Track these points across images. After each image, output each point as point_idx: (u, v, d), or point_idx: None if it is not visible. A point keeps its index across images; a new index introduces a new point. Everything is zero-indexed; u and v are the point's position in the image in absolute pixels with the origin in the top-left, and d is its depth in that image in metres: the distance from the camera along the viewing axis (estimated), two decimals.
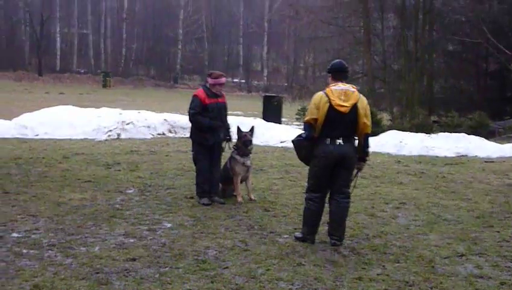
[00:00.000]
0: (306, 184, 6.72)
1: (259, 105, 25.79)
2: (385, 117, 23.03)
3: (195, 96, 8.32)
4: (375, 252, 6.24)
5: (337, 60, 6.86)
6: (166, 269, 5.49)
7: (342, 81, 6.44)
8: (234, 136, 8.67)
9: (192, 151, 8.58)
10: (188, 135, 9.04)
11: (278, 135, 16.53)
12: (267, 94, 30.57)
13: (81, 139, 15.14)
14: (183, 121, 16.98)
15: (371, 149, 6.74)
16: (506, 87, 27.72)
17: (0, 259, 5.59)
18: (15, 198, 8.13)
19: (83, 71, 63.10)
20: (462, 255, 6.19)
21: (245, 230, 6.97)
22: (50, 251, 5.89)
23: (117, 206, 7.94)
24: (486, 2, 26.92)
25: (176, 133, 17.00)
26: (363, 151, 6.50)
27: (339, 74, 6.51)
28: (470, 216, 7.99)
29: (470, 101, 26.36)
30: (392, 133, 16.57)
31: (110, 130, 16.05)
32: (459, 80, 28.83)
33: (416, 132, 17.14)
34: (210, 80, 8.34)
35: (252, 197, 8.58)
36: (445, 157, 14.17)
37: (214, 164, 8.45)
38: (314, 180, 6.50)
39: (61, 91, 40.65)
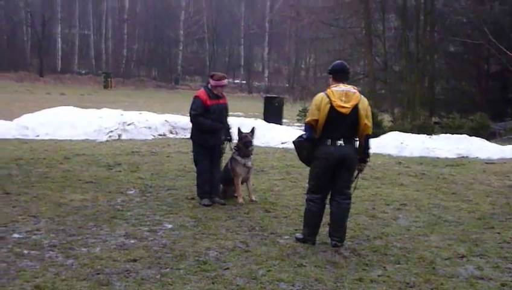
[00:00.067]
0: (307, 185, 6.72)
1: (260, 106, 25.81)
2: (386, 118, 23.03)
3: (196, 98, 8.32)
4: (376, 253, 6.24)
5: (338, 61, 6.87)
6: (167, 270, 5.49)
7: (343, 82, 6.44)
8: (235, 137, 8.68)
9: (193, 152, 8.59)
10: (188, 136, 9.04)
11: (279, 136, 16.52)
12: (268, 95, 30.62)
13: (82, 140, 15.14)
14: (184, 122, 16.97)
15: (371, 150, 6.74)
16: (507, 89, 27.71)
17: (1, 260, 5.60)
18: (16, 199, 8.13)
19: (84, 72, 63.13)
20: (462, 257, 6.18)
21: (246, 231, 6.97)
22: (51, 252, 5.89)
23: (118, 207, 7.94)
24: (488, 3, 26.90)
25: (176, 134, 17.00)
26: (364, 153, 6.50)
27: (340, 74, 6.51)
28: (470, 217, 7.99)
29: (471, 102, 26.35)
30: (393, 135, 16.56)
31: (111, 131, 16.06)
32: (460, 81, 28.82)
33: (418, 133, 17.14)
34: (212, 82, 8.33)
35: (253, 198, 8.58)
36: (446, 158, 14.17)
37: (214, 165, 8.46)
38: (315, 182, 6.50)
39: (62, 92, 40.68)
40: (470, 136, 16.37)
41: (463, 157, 14.42)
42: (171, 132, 17.09)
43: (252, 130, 8.75)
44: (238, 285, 5.16)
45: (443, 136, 16.21)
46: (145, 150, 13.69)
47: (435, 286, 5.30)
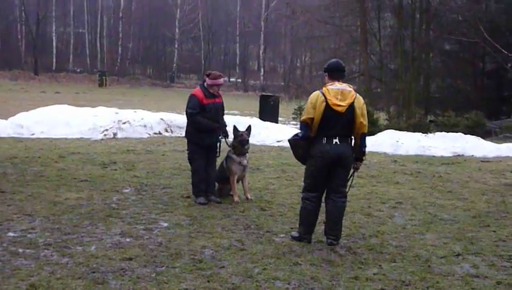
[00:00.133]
0: (302, 183, 6.72)
1: (255, 104, 25.80)
2: (382, 117, 23.07)
3: (193, 96, 8.27)
4: (371, 251, 6.24)
5: (334, 60, 6.86)
6: (163, 268, 5.48)
7: (338, 81, 6.43)
8: (230, 135, 8.66)
9: (188, 150, 8.57)
10: (184, 134, 9.02)
11: (275, 134, 16.52)
12: (264, 93, 30.62)
13: (77, 139, 15.11)
14: (179, 120, 16.97)
15: (367, 149, 6.74)
16: (503, 87, 27.81)
17: None
18: (11, 197, 8.11)
19: (79, 70, 63.09)
20: (458, 255, 6.19)
21: (241, 229, 6.96)
22: (46, 250, 5.87)
23: (113, 205, 7.92)
24: (483, 2, 26.99)
25: (172, 132, 16.98)
26: (359, 151, 6.49)
27: (336, 73, 6.50)
28: (466, 216, 7.99)
29: (466, 100, 26.43)
30: (389, 133, 16.58)
31: (106, 130, 16.02)
32: (455, 79, 28.90)
33: (413, 132, 17.16)
34: (208, 81, 8.30)
35: (249, 197, 8.57)
36: (442, 156, 14.18)
37: (209, 163, 8.44)
38: (310, 180, 6.50)
39: (57, 90, 40.59)
40: (466, 134, 16.40)
41: (458, 155, 14.44)
42: (167, 130, 17.07)
43: (248, 129, 8.73)
44: (233, 283, 5.15)
45: (439, 135, 16.24)
46: (141, 149, 13.66)
47: (431, 284, 5.30)
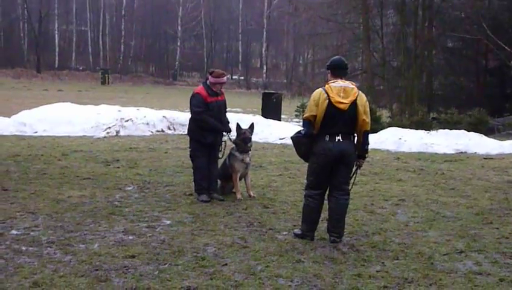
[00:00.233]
0: (305, 181, 6.72)
1: (258, 102, 25.76)
2: (384, 114, 23.03)
3: (197, 94, 8.26)
4: (374, 249, 6.24)
5: (337, 57, 6.85)
6: (166, 265, 5.49)
7: (341, 78, 6.42)
8: (233, 131, 8.67)
9: (190, 148, 8.57)
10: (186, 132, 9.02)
11: (277, 132, 16.51)
12: (266, 91, 30.57)
13: (80, 136, 15.12)
14: (182, 118, 16.97)
15: (370, 146, 6.73)
16: (505, 84, 27.73)
17: None
18: (14, 195, 8.13)
19: (81, 68, 63.11)
20: (461, 252, 6.18)
21: (244, 227, 6.96)
22: (49, 248, 5.89)
23: (116, 203, 7.94)
24: None
25: (174, 130, 16.97)
26: (362, 149, 6.49)
27: (338, 70, 6.49)
28: (469, 213, 7.98)
29: (469, 97, 26.38)
30: (392, 130, 16.55)
31: (109, 127, 16.04)
32: (458, 76, 28.84)
33: (416, 129, 17.12)
34: (211, 79, 8.28)
35: (251, 194, 8.58)
36: (445, 154, 14.16)
37: (211, 161, 8.45)
38: (313, 177, 6.49)
39: (60, 88, 40.61)
40: (468, 131, 16.35)
41: (461, 152, 14.41)
42: (169, 128, 17.07)
43: (251, 126, 8.74)
44: (236, 281, 5.16)
45: (441, 132, 16.20)
46: (143, 146, 13.67)
47: (433, 282, 5.30)
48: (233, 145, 8.64)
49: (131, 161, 11.47)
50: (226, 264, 5.56)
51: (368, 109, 6.40)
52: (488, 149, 14.60)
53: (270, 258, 5.80)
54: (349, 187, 6.56)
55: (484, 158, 13.35)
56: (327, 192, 6.55)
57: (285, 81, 54.95)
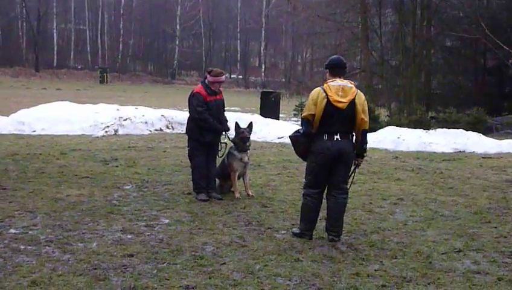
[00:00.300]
0: (304, 180, 6.72)
1: (256, 101, 25.76)
2: (383, 113, 23.03)
3: (198, 94, 8.24)
4: (372, 248, 6.25)
5: (335, 56, 6.85)
6: (164, 265, 5.49)
7: (339, 77, 6.42)
8: (232, 130, 8.67)
9: (188, 147, 8.57)
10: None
11: (276, 131, 16.52)
12: (265, 90, 30.53)
13: (79, 135, 15.11)
14: (180, 116, 16.97)
15: (368, 145, 6.74)
16: (504, 83, 27.73)
17: None
18: (12, 194, 8.12)
19: (80, 67, 63.07)
20: (459, 251, 6.19)
21: (243, 226, 6.97)
22: (47, 247, 5.88)
23: (114, 202, 7.93)
24: None
25: (173, 129, 16.98)
26: (360, 147, 6.49)
27: (337, 69, 6.49)
28: (467, 212, 7.99)
29: (467, 97, 26.36)
30: (390, 129, 16.57)
31: (108, 126, 16.03)
32: (457, 75, 28.83)
33: (414, 128, 17.13)
34: (210, 78, 8.28)
35: (250, 193, 8.58)
36: (443, 153, 14.17)
37: (210, 160, 8.45)
38: (311, 176, 6.49)
39: (58, 87, 40.58)
40: (467, 130, 16.36)
41: (460, 151, 14.42)
42: (168, 127, 17.07)
43: (250, 125, 8.74)
44: (235, 280, 5.16)
45: (440, 131, 16.20)
46: (142, 145, 13.67)
47: (432, 281, 5.30)
48: (232, 144, 8.65)
49: (129, 159, 11.46)
50: (224, 263, 5.56)
51: (367, 108, 6.41)
52: (487, 148, 14.61)
53: (268, 257, 5.81)
54: (348, 186, 6.57)
55: (482, 157, 13.36)
56: (326, 191, 6.55)
57: (283, 80, 54.87)
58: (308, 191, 6.54)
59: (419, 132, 16.18)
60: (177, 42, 64.64)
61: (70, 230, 6.50)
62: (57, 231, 6.46)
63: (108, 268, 5.33)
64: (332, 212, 6.47)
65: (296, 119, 23.43)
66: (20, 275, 5.09)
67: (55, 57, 61.63)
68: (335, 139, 6.29)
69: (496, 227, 7.22)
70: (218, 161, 8.74)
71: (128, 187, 8.93)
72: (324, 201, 6.58)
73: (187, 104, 8.54)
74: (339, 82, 6.33)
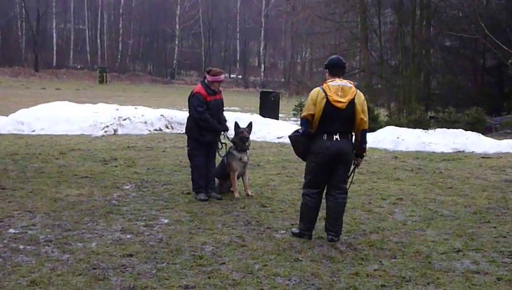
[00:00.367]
0: (303, 180, 6.71)
1: (256, 101, 25.77)
2: (382, 113, 23.06)
3: (198, 94, 8.24)
4: (372, 247, 6.25)
5: (334, 56, 6.84)
6: (163, 264, 5.49)
7: (339, 77, 6.42)
8: (231, 130, 8.67)
9: (188, 147, 8.57)
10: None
11: (275, 131, 16.52)
12: (264, 90, 30.57)
13: (78, 135, 15.11)
14: (180, 116, 16.97)
15: (368, 145, 6.74)
16: (503, 83, 27.74)
17: None
18: (11, 194, 8.12)
19: (79, 67, 63.09)
20: (459, 251, 6.19)
21: (242, 226, 6.97)
22: (47, 247, 5.88)
23: (114, 202, 7.93)
24: None
25: (172, 128, 16.98)
26: (360, 147, 6.49)
27: (336, 69, 6.49)
28: (466, 212, 7.99)
29: (467, 96, 26.37)
30: (389, 129, 16.57)
31: (107, 126, 16.03)
32: (456, 75, 28.81)
33: (414, 128, 17.14)
34: (209, 77, 8.28)
35: (249, 193, 8.58)
36: (442, 153, 14.17)
37: (209, 160, 8.45)
38: (311, 176, 6.49)
39: (58, 87, 40.58)
40: (466, 130, 16.36)
41: (459, 151, 14.42)
42: (167, 127, 17.07)
43: (249, 125, 8.74)
44: (234, 279, 5.16)
45: (439, 131, 16.21)
46: (141, 145, 13.67)
47: (431, 280, 5.30)
48: (232, 144, 8.65)
49: (129, 159, 11.46)
50: (223, 263, 5.56)
51: (366, 108, 6.41)
52: (486, 148, 14.61)
53: (268, 257, 5.81)
54: (347, 186, 6.57)
55: (482, 157, 13.36)
56: (325, 191, 6.55)
57: (283, 80, 54.91)
58: (307, 191, 6.54)
59: (419, 131, 16.18)
60: (176, 42, 64.64)
61: (70, 230, 6.50)
62: (56, 230, 6.46)
63: (108, 268, 5.33)
64: (332, 212, 6.47)
65: (295, 119, 23.45)
66: (20, 275, 5.08)
67: (55, 56, 61.63)
68: (334, 139, 6.29)
69: (495, 227, 7.22)
70: (218, 160, 8.74)
71: (127, 187, 8.93)
72: (323, 201, 6.58)
73: (187, 104, 8.53)
74: (339, 82, 6.33)
